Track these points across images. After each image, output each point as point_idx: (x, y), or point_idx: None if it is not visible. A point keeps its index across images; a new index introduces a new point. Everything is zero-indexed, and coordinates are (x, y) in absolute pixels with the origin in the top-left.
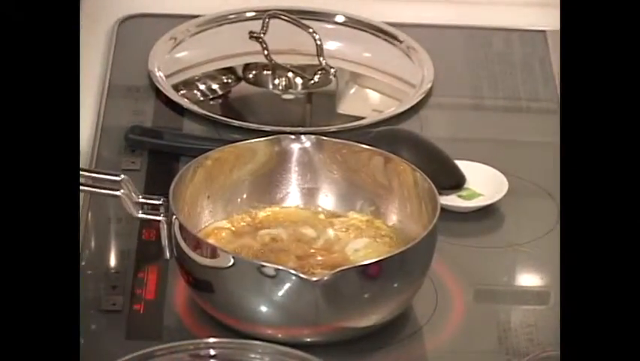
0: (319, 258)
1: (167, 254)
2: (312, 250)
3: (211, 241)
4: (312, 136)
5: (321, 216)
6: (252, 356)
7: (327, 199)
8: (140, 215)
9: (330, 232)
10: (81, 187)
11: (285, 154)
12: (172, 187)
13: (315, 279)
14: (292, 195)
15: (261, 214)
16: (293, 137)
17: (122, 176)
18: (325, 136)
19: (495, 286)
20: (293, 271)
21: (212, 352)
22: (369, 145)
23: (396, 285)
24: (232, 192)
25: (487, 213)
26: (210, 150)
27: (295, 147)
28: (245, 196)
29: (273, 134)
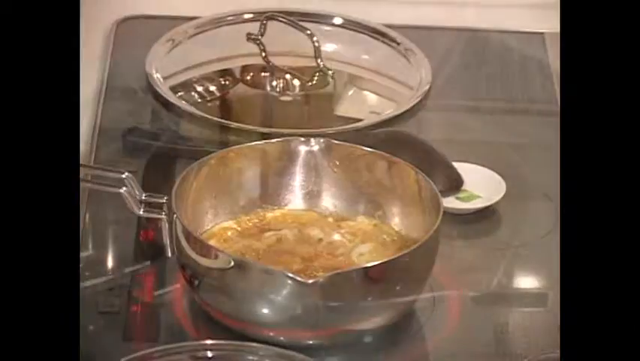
0: (324, 261)
1: (169, 253)
2: (318, 253)
3: (212, 241)
4: (322, 139)
5: (330, 220)
6: (250, 358)
7: (335, 203)
8: (142, 213)
9: (337, 236)
10: (83, 183)
11: (293, 156)
12: (175, 186)
13: (310, 281)
14: (301, 197)
15: (269, 215)
16: (302, 139)
17: (126, 173)
18: (322, 138)
19: (492, 288)
20: (290, 274)
21: (209, 354)
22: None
23: (396, 288)
24: (240, 193)
25: (484, 215)
26: (208, 152)
27: (303, 149)
28: (253, 197)
29: (270, 136)
